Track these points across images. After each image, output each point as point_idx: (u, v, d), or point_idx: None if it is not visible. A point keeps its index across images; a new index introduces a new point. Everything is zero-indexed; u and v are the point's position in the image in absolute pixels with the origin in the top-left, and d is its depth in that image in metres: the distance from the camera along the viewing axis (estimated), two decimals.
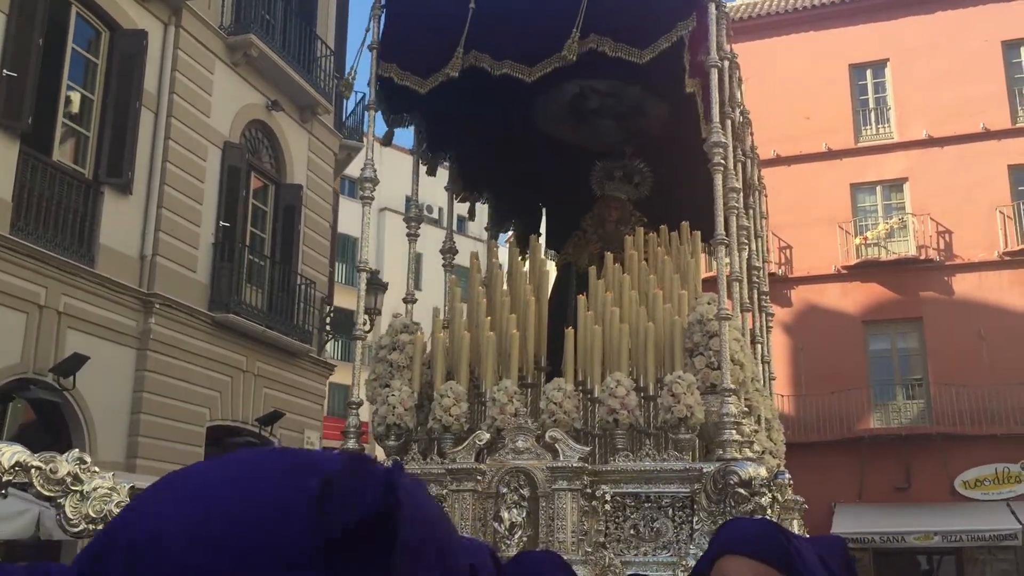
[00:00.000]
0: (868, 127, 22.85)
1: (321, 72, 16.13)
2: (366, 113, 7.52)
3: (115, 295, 11.70)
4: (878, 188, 22.35)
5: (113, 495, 2.55)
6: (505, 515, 5.97)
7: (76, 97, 11.84)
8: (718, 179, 6.41)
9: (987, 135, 21.16)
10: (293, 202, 15.49)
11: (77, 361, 10.53)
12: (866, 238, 21.94)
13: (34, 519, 7.91)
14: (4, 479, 2.56)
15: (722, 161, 6.44)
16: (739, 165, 7.71)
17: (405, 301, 7.84)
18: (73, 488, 2.58)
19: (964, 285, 20.83)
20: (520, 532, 5.91)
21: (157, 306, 12.19)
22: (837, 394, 20.55)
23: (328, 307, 16.31)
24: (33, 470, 2.64)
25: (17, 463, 2.60)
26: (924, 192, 21.41)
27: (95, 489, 2.59)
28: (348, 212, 21.57)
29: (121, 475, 10.35)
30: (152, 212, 12.41)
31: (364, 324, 7.24)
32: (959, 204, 20.90)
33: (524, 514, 5.97)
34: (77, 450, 2.75)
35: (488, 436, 6.27)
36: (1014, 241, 20.49)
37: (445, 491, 6.16)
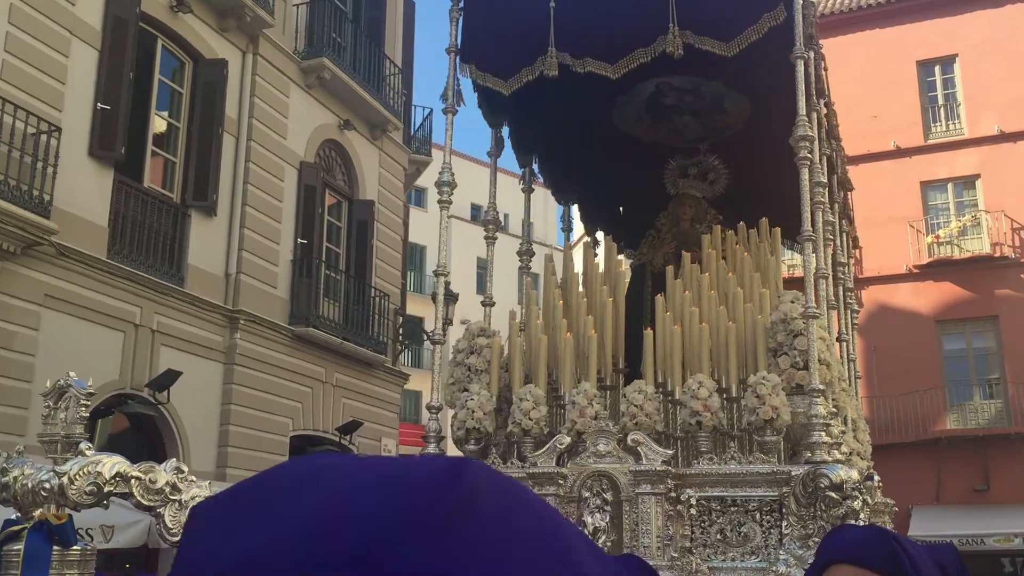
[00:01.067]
0: (938, 124, 22.57)
1: (390, 90, 16.62)
2: (444, 117, 7.38)
3: (203, 312, 12.29)
4: (949, 185, 22.07)
5: None
6: (588, 520, 5.89)
7: (163, 125, 12.47)
8: (804, 173, 6.26)
9: None
10: (366, 217, 15.99)
11: (171, 376, 11.12)
12: (938, 236, 21.66)
13: (146, 529, 8.36)
14: (106, 489, 2.61)
15: (808, 155, 6.31)
16: (824, 159, 7.56)
17: (484, 304, 7.89)
18: (172, 497, 2.66)
19: None
20: (604, 537, 5.81)
21: (242, 322, 12.77)
22: (911, 395, 20.35)
23: (400, 317, 16.78)
24: (133, 480, 2.68)
25: (118, 473, 2.65)
26: (997, 188, 21.09)
27: (193, 498, 2.65)
28: (415, 222, 22.08)
29: (216, 484, 10.90)
30: (235, 232, 12.99)
31: (441, 328, 7.19)
32: None
33: (608, 518, 5.87)
34: (175, 460, 2.79)
35: (568, 439, 6.21)
36: None
37: None
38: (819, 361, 5.94)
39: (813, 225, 6.39)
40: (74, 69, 10.73)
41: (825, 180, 6.96)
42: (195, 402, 11.96)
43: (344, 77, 14.99)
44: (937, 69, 22.74)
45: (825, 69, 8.02)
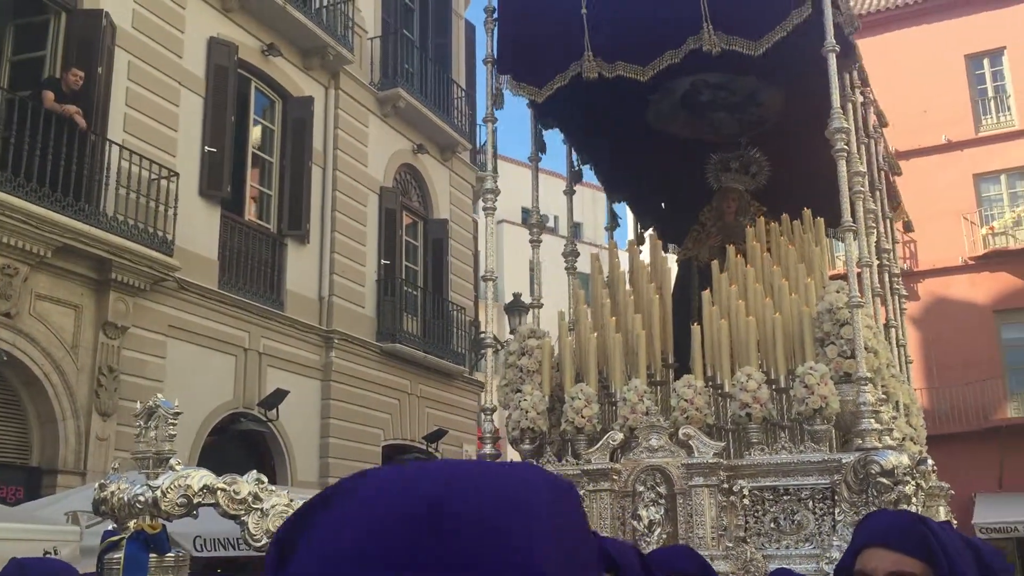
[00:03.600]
0: (988, 116, 22.80)
1: (457, 112, 17.46)
2: (486, 127, 7.72)
3: (302, 334, 13.23)
4: (1002, 177, 22.30)
5: (289, 511, 2.66)
6: (643, 513, 5.94)
7: (259, 161, 13.42)
8: (842, 165, 6.30)
9: None
10: (440, 235, 16.85)
11: (280, 395, 12.05)
12: (993, 228, 21.91)
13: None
14: (195, 501, 2.74)
15: (845, 147, 6.34)
16: (862, 147, 7.55)
17: (531, 306, 8.08)
18: (254, 507, 2.77)
19: None
20: (659, 530, 5.89)
21: (336, 341, 13.69)
22: (971, 385, 20.62)
23: (475, 329, 17.61)
24: (219, 492, 2.80)
25: (205, 486, 2.77)
26: None
27: (273, 506, 2.79)
28: (481, 234, 22.93)
29: (296, 492, 11.71)
30: (326, 257, 13.92)
31: (491, 331, 7.34)
32: None
33: (662, 511, 5.93)
34: (255, 471, 2.90)
35: (621, 436, 6.27)
36: None
37: (582, 491, 6.10)
38: (866, 349, 5.99)
39: (854, 215, 6.40)
40: (184, 116, 11.70)
41: (864, 169, 6.89)
42: (298, 417, 12.89)
43: (417, 104, 15.84)
44: (986, 62, 22.95)
45: (860, 58, 7.98)
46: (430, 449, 15.38)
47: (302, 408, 13.02)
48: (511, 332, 12.10)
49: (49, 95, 9.75)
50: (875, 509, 5.33)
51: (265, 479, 2.72)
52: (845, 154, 6.34)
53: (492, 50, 7.32)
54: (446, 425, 15.97)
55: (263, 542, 2.63)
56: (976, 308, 21.38)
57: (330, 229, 14.05)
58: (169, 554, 2.54)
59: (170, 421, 2.93)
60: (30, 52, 10.56)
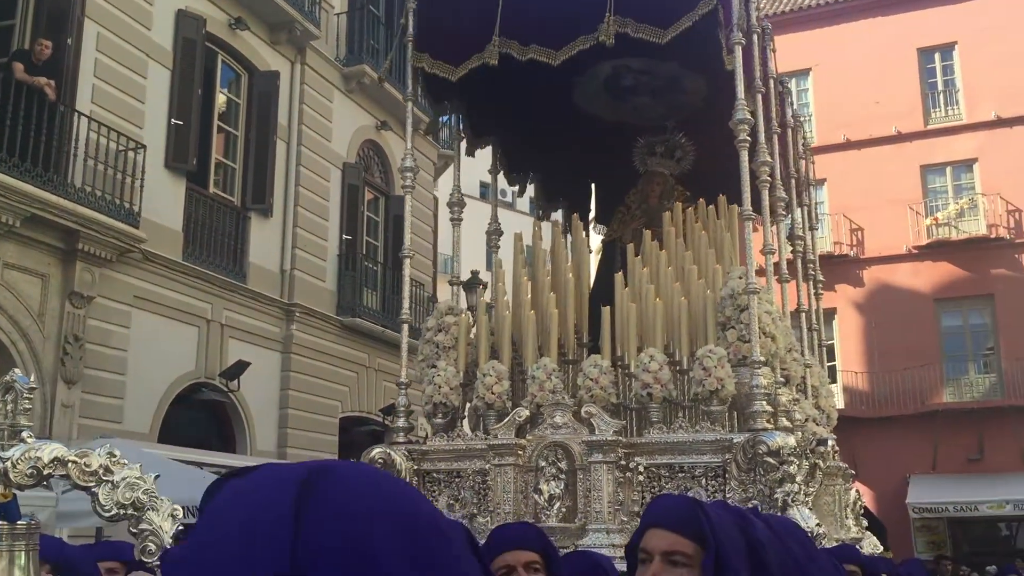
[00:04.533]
0: (937, 109, 23.20)
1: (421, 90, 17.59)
2: (409, 106, 7.69)
3: (264, 306, 13.43)
4: (948, 169, 22.73)
5: (140, 483, 2.75)
6: (544, 487, 6.15)
7: (224, 134, 13.53)
8: (743, 155, 6.46)
9: None
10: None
11: (241, 367, 12.27)
12: (937, 219, 22.35)
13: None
14: (45, 472, 2.75)
15: (747, 138, 6.46)
16: (775, 137, 7.67)
17: (451, 283, 8.21)
18: (104, 478, 2.76)
19: None
20: (559, 503, 6.11)
21: (297, 314, 13.91)
22: (910, 370, 21.16)
23: (433, 305, 17.88)
24: (70, 464, 2.79)
25: (56, 458, 2.76)
26: (994, 172, 21.84)
27: (124, 479, 2.77)
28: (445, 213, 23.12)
29: (270, 462, 12.07)
30: (289, 231, 14.10)
31: (408, 308, 7.41)
32: None
33: (563, 486, 6.14)
34: (108, 444, 2.94)
35: (528, 412, 6.41)
36: None
37: (488, 465, 6.33)
38: (764, 334, 6.18)
39: (760, 203, 6.61)
40: (151, 88, 11.78)
41: (771, 160, 7.01)
42: (258, 388, 13.13)
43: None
44: (937, 56, 23.31)
45: (774, 51, 8.13)
46: (387, 421, 15.67)
47: (262, 379, 13.25)
48: (468, 309, 12.41)
49: (19, 66, 9.81)
50: (762, 487, 5.71)
51: (118, 452, 2.72)
52: (747, 145, 6.47)
53: (410, 28, 7.36)
54: None
55: (112, 512, 2.71)
56: (918, 296, 21.89)
57: (293, 203, 14.23)
58: (20, 521, 2.60)
59: (25, 396, 2.94)
60: (0, 21, 10.58)
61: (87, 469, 2.85)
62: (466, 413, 7.12)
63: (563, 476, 6.14)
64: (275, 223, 13.95)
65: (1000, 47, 22.02)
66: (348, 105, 15.72)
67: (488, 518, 6.20)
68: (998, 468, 19.84)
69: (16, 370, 3.39)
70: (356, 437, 15.46)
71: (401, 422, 6.89)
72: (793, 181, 8.73)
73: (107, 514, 2.81)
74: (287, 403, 13.72)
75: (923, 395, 21.16)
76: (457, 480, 6.62)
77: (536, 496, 6.15)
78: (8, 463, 2.80)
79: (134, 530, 2.67)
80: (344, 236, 15.28)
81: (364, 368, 15.62)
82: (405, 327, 7.25)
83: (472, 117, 8.40)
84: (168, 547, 2.56)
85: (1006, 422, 20.14)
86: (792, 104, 9.25)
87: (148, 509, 2.81)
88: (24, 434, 2.94)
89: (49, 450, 2.86)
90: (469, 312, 7.63)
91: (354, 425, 15.40)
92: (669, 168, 8.55)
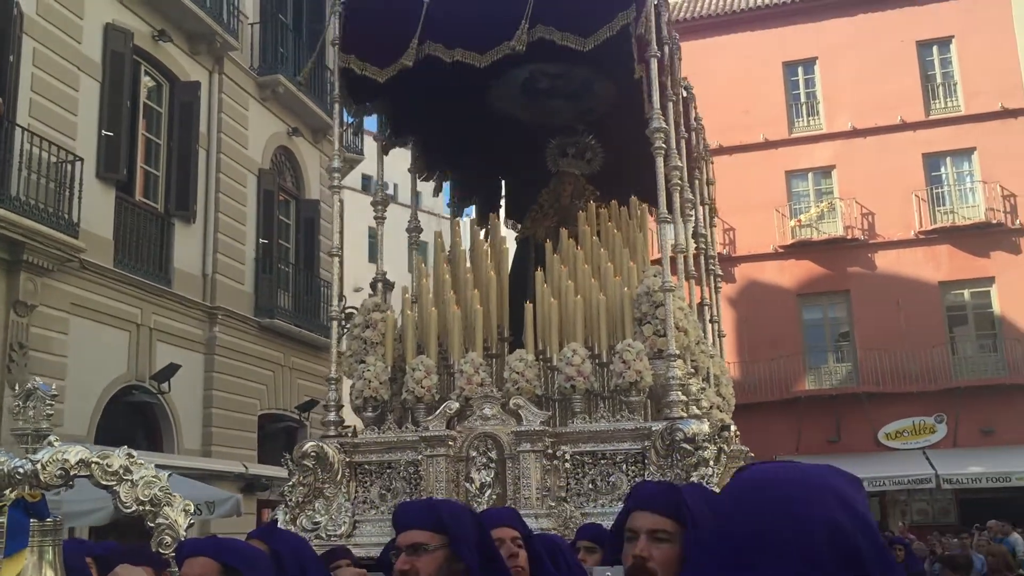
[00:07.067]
0: (800, 119, 24.85)
1: (329, 97, 18.15)
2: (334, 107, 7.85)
3: (188, 310, 13.90)
4: (809, 175, 24.43)
5: (156, 481, 3.03)
6: (475, 476, 6.36)
7: (148, 143, 13.87)
8: (660, 162, 6.73)
9: (904, 126, 23.54)
10: (311, 214, 17.66)
11: (172, 369, 12.75)
12: (800, 220, 24.01)
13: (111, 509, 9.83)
14: (72, 473, 2.95)
15: (663, 146, 6.74)
16: (683, 141, 7.93)
17: (376, 282, 8.18)
18: (125, 478, 2.98)
19: (885, 261, 23.23)
20: (489, 491, 6.32)
21: (219, 317, 14.41)
22: (776, 360, 22.82)
23: (342, 303, 18.52)
24: (93, 465, 2.97)
25: (81, 460, 2.95)
26: (850, 178, 23.65)
27: (142, 477, 3.00)
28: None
29: (197, 460, 12.55)
30: (211, 236, 14.57)
31: (338, 304, 7.49)
32: (880, 189, 23.22)
33: (492, 475, 6.35)
34: (126, 446, 3.12)
35: (457, 405, 6.60)
36: (927, 221, 22.97)
37: (420, 456, 6.51)
38: (677, 328, 6.50)
39: (671, 206, 6.85)
40: (83, 100, 12.09)
41: (681, 164, 7.27)
42: (184, 390, 13.59)
43: (293, 89, 16.54)
44: (800, 70, 24.91)
45: (679, 59, 8.54)
46: (302, 418, 16.33)
47: (188, 381, 13.71)
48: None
49: None
50: (680, 472, 6.08)
51: (135, 453, 2.94)
52: (663, 152, 6.76)
53: (335, 32, 7.48)
54: (317, 396, 16.91)
55: (132, 508, 2.92)
56: (782, 292, 23.49)
57: (214, 209, 14.69)
58: (48, 519, 2.72)
59: (47, 402, 3.15)
60: None
61: (109, 469, 3.14)
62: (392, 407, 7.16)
63: (493, 465, 6.38)
64: (197, 229, 14.39)
65: (855, 63, 23.74)
66: (262, 113, 16.22)
67: None
68: (854, 449, 21.52)
69: (37, 378, 3.79)
70: (272, 433, 16.06)
71: (332, 416, 6.97)
72: (696, 182, 9.16)
73: (127, 510, 3.12)
74: (211, 403, 14.22)
75: (787, 383, 22.74)
76: (389, 471, 6.78)
77: (467, 484, 6.36)
78: (39, 465, 3.06)
79: (151, 524, 3.02)
80: (261, 240, 15.80)
81: (280, 367, 16.20)
82: (335, 324, 7.35)
83: (394, 116, 8.53)
84: (183, 540, 2.89)
85: (860, 407, 21.90)
86: (695, 107, 9.58)
87: (164, 505, 3.15)
88: (51, 438, 3.23)
89: (75, 452, 3.12)
90: (361, 308, 7.63)
91: (270, 422, 15.97)
92: (580, 169, 8.84)
